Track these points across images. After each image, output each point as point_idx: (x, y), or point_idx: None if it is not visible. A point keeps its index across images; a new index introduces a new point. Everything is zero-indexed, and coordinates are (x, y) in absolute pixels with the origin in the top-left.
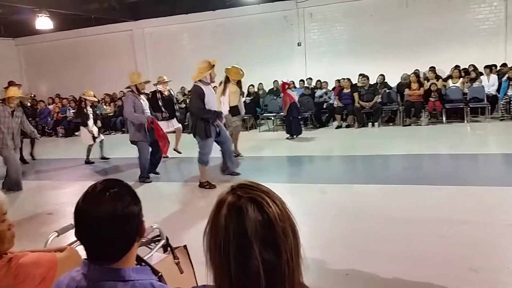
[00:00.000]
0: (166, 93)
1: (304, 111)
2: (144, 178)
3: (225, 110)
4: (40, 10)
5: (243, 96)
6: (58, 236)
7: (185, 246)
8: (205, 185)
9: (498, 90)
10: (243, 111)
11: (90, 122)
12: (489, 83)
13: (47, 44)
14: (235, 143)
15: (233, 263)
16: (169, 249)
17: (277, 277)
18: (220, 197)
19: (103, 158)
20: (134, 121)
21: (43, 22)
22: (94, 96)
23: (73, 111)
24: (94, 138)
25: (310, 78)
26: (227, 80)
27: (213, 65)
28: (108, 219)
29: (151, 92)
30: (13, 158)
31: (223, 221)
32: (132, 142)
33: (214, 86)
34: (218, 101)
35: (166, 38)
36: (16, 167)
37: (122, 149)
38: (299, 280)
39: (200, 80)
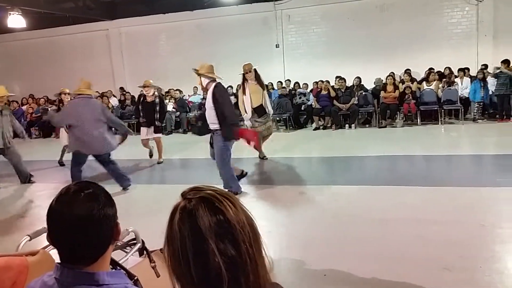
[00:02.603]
0: (148, 98)
1: (283, 112)
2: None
3: (248, 111)
4: (12, 8)
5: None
6: (30, 240)
7: (161, 250)
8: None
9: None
10: (270, 109)
11: None
12: (463, 86)
13: (20, 43)
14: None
15: (193, 266)
16: (145, 252)
17: (239, 270)
18: (174, 205)
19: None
20: None
21: (16, 20)
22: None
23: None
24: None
25: (289, 80)
26: (244, 79)
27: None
28: (83, 220)
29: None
30: None
31: (176, 227)
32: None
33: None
34: (241, 103)
35: (143, 38)
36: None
37: None
38: (266, 276)
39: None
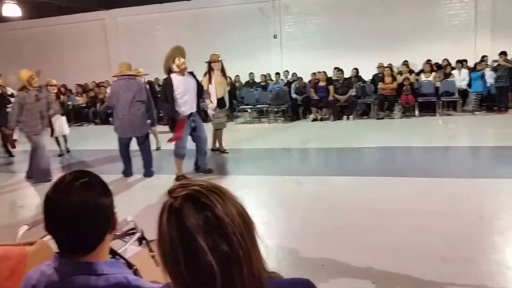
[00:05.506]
0: None
1: (281, 103)
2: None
3: (214, 102)
4: None
5: (229, 87)
6: (29, 229)
7: None
8: (181, 179)
9: (469, 85)
10: (227, 104)
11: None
12: (460, 78)
13: (16, 32)
14: (220, 139)
15: (184, 266)
16: (144, 242)
17: (232, 264)
18: (161, 204)
19: (67, 151)
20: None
21: (11, 9)
22: (55, 85)
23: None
24: (53, 131)
25: (287, 71)
26: (210, 68)
27: (175, 52)
28: (79, 209)
29: None
30: (43, 145)
31: (165, 228)
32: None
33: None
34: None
35: (140, 28)
36: (46, 154)
37: (92, 141)
38: (261, 264)
39: (171, 71)
